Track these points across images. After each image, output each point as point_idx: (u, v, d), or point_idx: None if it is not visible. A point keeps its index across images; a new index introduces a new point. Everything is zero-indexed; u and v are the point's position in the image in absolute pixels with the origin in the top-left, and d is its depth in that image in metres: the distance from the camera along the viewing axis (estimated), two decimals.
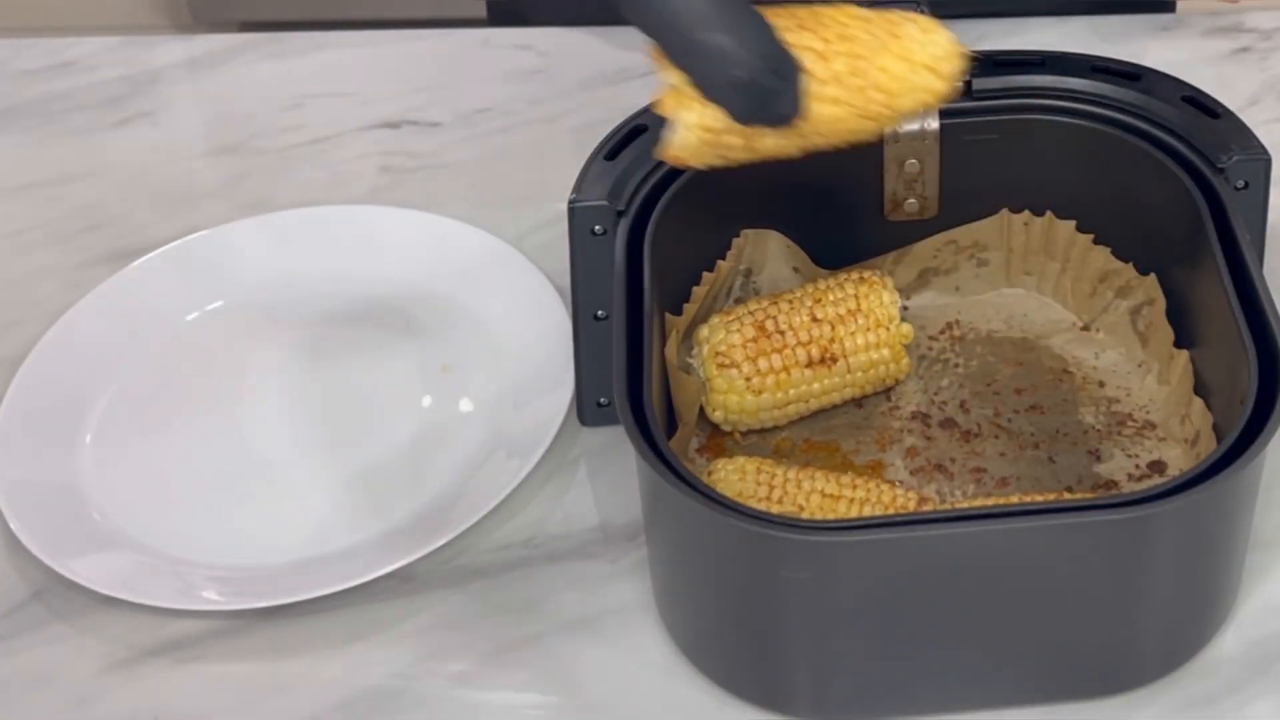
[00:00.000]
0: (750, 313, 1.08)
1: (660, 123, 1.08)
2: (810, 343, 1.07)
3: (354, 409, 1.15)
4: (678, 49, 0.89)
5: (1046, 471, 1.06)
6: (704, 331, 1.08)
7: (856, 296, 1.09)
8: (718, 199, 1.09)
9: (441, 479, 1.10)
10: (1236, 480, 0.91)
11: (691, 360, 1.08)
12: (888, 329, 1.08)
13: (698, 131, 0.92)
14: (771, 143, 0.93)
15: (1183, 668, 0.98)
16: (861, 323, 1.08)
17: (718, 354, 1.07)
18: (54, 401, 1.14)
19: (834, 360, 1.07)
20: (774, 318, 1.08)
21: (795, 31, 0.92)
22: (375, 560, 1.04)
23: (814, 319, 1.08)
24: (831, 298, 1.09)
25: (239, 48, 1.43)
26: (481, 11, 1.50)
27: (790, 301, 1.09)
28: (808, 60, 0.92)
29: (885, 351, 1.08)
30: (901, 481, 1.06)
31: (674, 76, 0.91)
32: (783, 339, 1.07)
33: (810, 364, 1.07)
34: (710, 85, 0.90)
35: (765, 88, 0.90)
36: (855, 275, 1.10)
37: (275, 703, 1.01)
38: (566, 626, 1.03)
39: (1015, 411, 1.09)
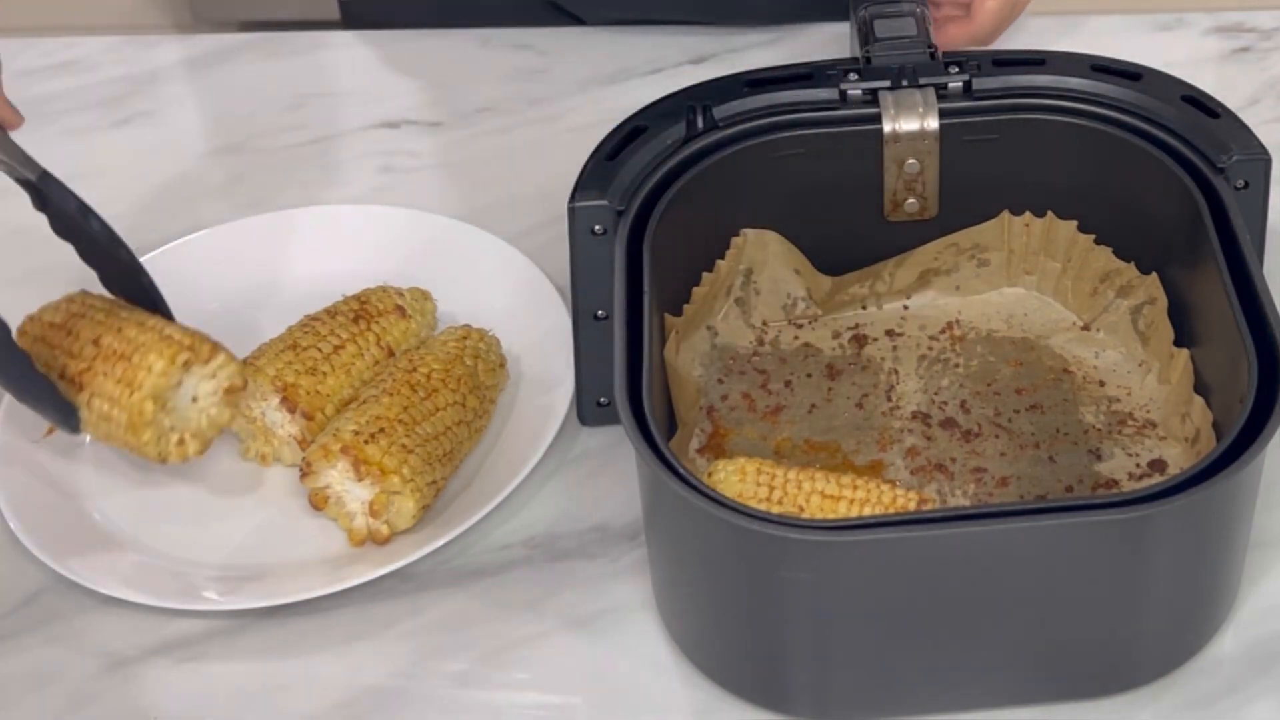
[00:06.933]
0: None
1: (661, 123, 1.09)
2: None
3: None
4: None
5: (1047, 471, 1.06)
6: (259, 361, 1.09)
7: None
8: (718, 199, 1.09)
9: None
10: (1236, 480, 0.91)
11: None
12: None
13: None
14: None
15: (1183, 668, 0.98)
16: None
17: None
18: None
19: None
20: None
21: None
22: (375, 560, 1.04)
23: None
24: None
25: (239, 48, 1.43)
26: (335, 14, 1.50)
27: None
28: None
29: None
30: (901, 481, 1.06)
31: None
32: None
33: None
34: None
35: None
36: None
37: (275, 703, 1.01)
38: (566, 626, 1.03)
39: (1016, 411, 1.09)
